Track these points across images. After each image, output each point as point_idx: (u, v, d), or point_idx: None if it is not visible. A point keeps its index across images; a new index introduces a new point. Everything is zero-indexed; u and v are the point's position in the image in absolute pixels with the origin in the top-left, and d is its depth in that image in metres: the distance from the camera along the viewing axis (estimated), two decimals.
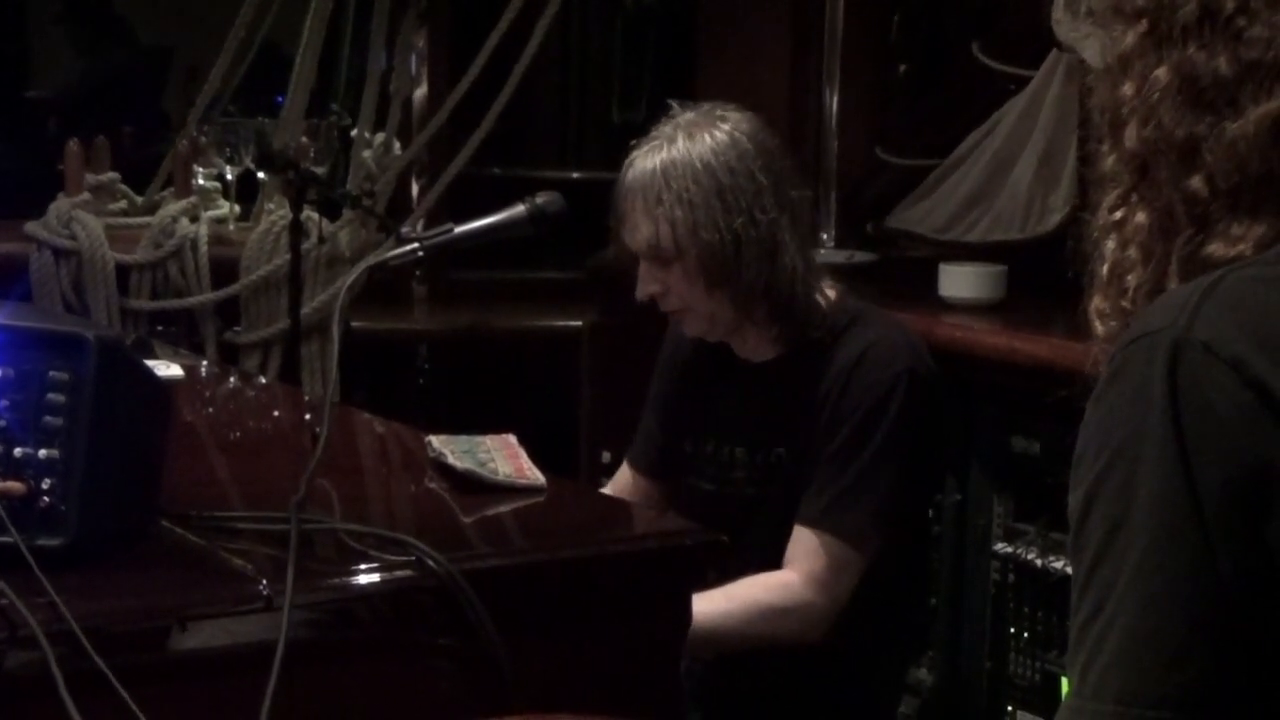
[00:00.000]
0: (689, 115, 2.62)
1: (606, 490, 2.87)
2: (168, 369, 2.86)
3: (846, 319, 2.66)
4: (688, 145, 2.57)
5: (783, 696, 2.70)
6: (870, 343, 2.61)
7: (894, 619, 2.75)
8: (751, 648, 2.56)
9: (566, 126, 5.04)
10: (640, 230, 2.59)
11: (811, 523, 2.56)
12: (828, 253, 4.22)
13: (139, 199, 4.04)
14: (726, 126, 2.60)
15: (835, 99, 4.27)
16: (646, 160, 2.59)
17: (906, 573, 2.75)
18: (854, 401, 2.58)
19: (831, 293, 2.69)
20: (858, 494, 2.55)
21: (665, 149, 2.58)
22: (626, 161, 2.63)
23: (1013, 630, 3.23)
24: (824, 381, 2.61)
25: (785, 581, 2.55)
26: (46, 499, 1.75)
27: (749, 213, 2.56)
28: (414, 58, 4.31)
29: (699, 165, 2.56)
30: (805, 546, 2.56)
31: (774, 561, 2.59)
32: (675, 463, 2.79)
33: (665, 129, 2.61)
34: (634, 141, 2.64)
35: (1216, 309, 1.08)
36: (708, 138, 2.58)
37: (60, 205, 3.85)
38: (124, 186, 4.02)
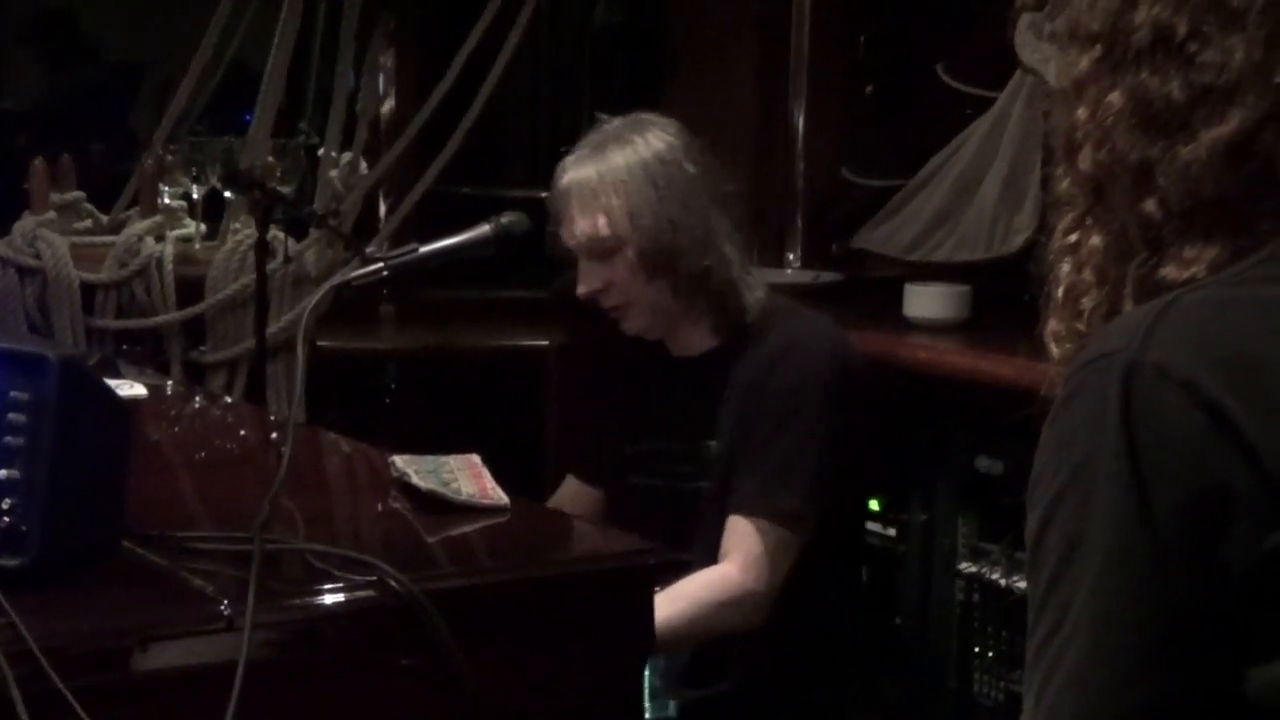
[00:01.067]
0: (617, 123, 2.74)
1: (552, 502, 2.90)
2: (131, 388, 2.86)
3: (776, 314, 2.76)
4: (618, 148, 2.69)
5: (740, 687, 2.72)
6: (795, 334, 2.71)
7: (830, 615, 2.78)
8: (696, 642, 2.59)
9: (535, 146, 5.04)
10: (579, 226, 2.68)
11: (742, 510, 2.62)
12: (794, 272, 4.24)
13: (104, 218, 4.02)
14: (655, 129, 2.72)
15: (802, 119, 4.28)
16: (579, 166, 2.71)
17: (839, 568, 2.78)
18: (775, 391, 2.66)
19: (761, 291, 2.79)
20: (784, 478, 2.60)
21: (596, 153, 2.70)
22: (559, 168, 2.74)
23: (978, 650, 3.24)
24: (750, 372, 2.70)
25: (724, 574, 2.59)
26: (7, 519, 1.74)
27: (682, 200, 2.68)
28: (381, 77, 4.30)
29: (632, 161, 2.68)
30: (739, 535, 2.61)
31: (713, 552, 2.63)
32: (617, 465, 2.84)
33: (594, 137, 2.74)
34: (564, 149, 2.72)
35: (1170, 331, 1.09)
36: (637, 138, 2.70)
37: (25, 224, 3.84)
38: (89, 205, 4.01)
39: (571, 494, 2.92)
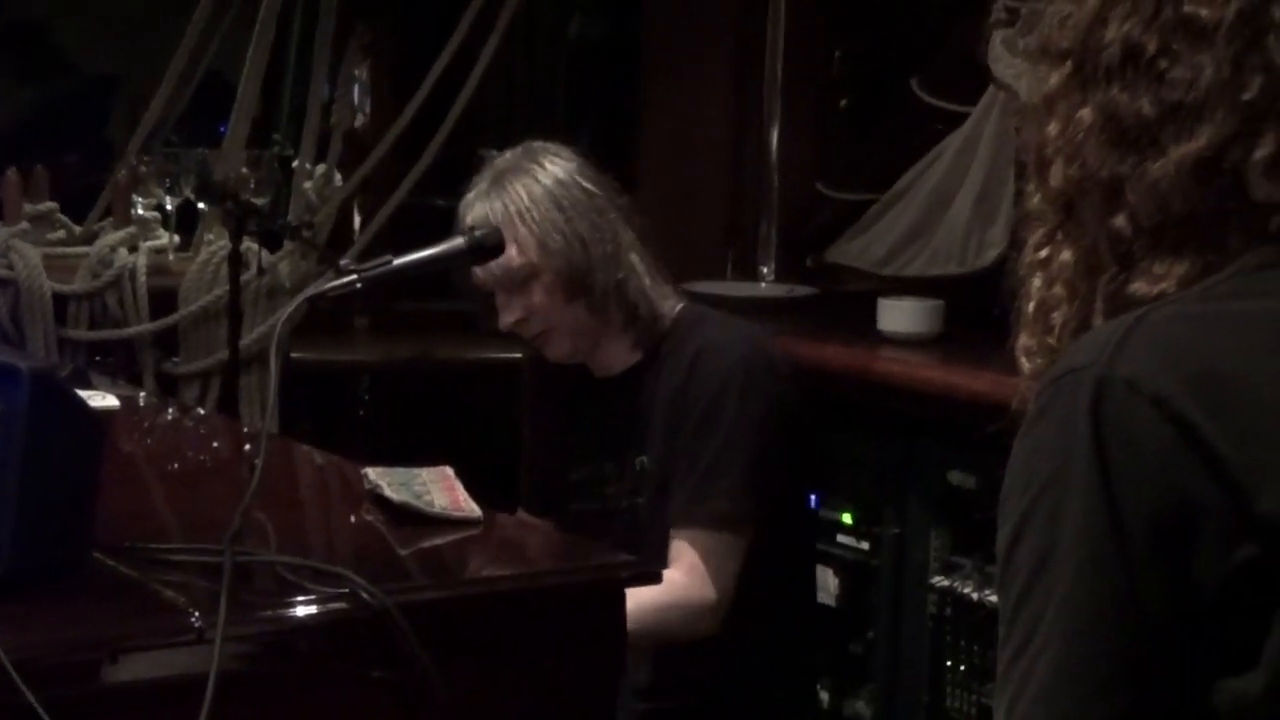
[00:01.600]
0: (508, 155, 2.77)
1: None
2: (103, 400, 2.85)
3: (689, 322, 2.77)
4: (515, 179, 2.71)
5: (694, 701, 2.72)
6: (706, 340, 2.72)
7: (785, 611, 2.78)
8: (650, 648, 2.59)
9: None
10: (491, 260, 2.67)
11: (678, 522, 2.63)
12: (768, 286, 4.24)
13: (78, 228, 4.01)
14: (546, 155, 2.75)
15: (776, 133, 4.29)
16: (480, 203, 2.73)
17: (790, 563, 2.79)
18: (694, 397, 2.67)
19: (676, 302, 2.80)
20: (713, 481, 2.61)
21: (495, 187, 2.72)
22: (461, 208, 2.76)
23: (950, 663, 3.24)
24: (669, 383, 2.71)
25: (671, 580, 2.57)
26: None
27: (588, 217, 2.70)
28: (356, 89, 4.31)
29: (533, 189, 2.70)
30: (680, 544, 2.62)
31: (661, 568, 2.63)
32: (560, 494, 2.85)
33: (488, 173, 2.76)
34: (462, 189, 2.73)
35: (1139, 346, 1.09)
36: (534, 166, 2.73)
37: None
38: (63, 216, 4.00)
39: None
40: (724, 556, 2.61)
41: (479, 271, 2.73)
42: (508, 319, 2.76)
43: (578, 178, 2.72)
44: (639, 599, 2.53)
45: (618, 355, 2.78)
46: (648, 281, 2.75)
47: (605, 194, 2.74)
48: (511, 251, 2.67)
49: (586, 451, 2.84)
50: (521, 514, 2.94)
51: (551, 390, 2.93)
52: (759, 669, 2.76)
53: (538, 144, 2.79)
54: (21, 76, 6.36)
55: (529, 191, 2.69)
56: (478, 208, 2.72)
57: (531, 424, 3.05)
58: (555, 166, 2.72)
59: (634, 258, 2.74)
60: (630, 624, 2.50)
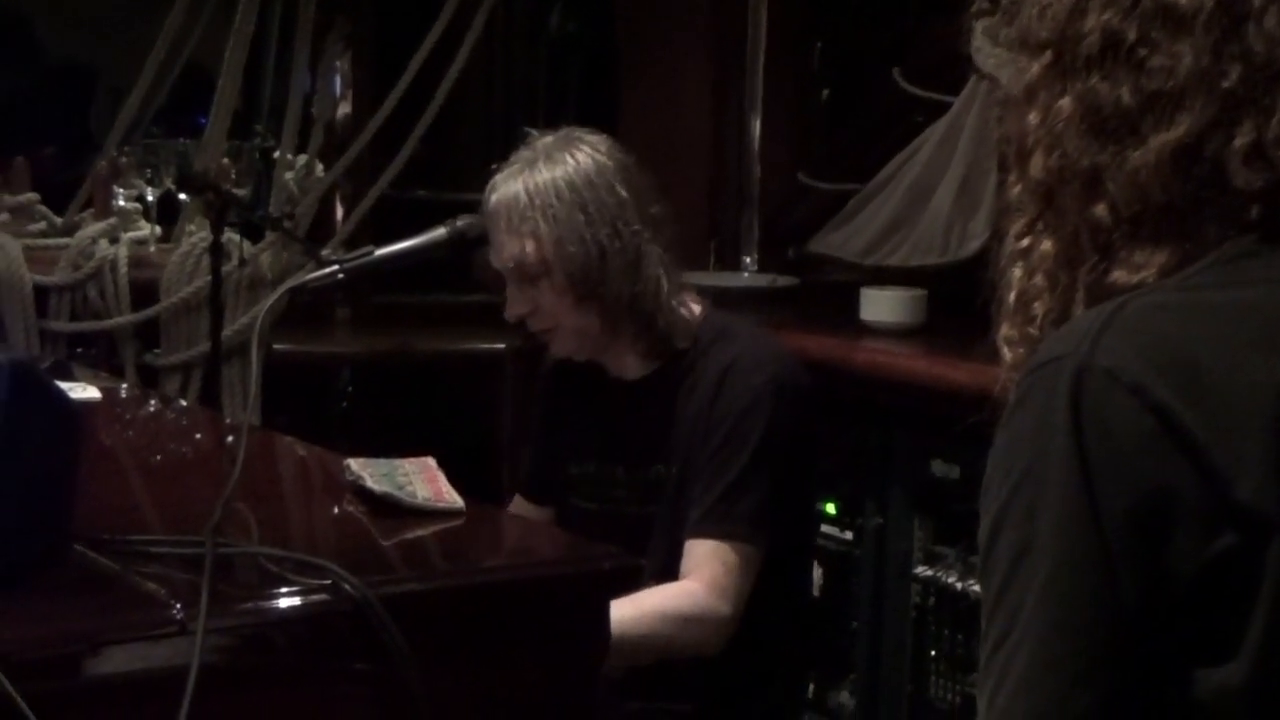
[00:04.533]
0: (547, 139, 2.69)
1: None
2: (84, 391, 2.84)
3: (713, 333, 2.72)
4: (548, 167, 2.64)
5: (681, 710, 2.71)
6: (737, 354, 2.67)
7: (785, 631, 2.77)
8: (657, 656, 2.57)
9: (491, 149, 5.03)
10: (505, 249, 2.65)
11: (700, 533, 2.60)
12: (750, 277, 4.25)
13: (58, 220, 4.01)
14: (585, 147, 2.67)
15: (758, 124, 4.29)
16: (508, 184, 2.66)
17: (793, 583, 2.78)
18: (723, 412, 2.63)
19: (697, 308, 2.76)
20: (737, 498, 2.59)
21: (526, 172, 2.65)
22: (489, 187, 2.69)
23: (933, 653, 3.25)
24: (694, 395, 2.67)
25: (689, 590, 2.56)
26: None
27: (612, 224, 2.63)
28: (337, 80, 4.30)
29: (561, 183, 2.63)
30: (699, 557, 2.58)
31: (666, 578, 2.61)
32: (560, 485, 2.82)
33: (524, 154, 2.68)
34: (494, 166, 2.69)
35: (1119, 335, 1.09)
36: (568, 157, 2.65)
37: None
38: (43, 207, 3.99)
39: (520, 512, 2.90)
40: (742, 574, 2.58)
41: (494, 259, 2.70)
42: (514, 311, 2.71)
43: (611, 179, 2.64)
44: (657, 604, 2.53)
45: (630, 362, 2.73)
46: (668, 294, 2.68)
47: (635, 200, 2.66)
48: (527, 245, 2.63)
49: (589, 449, 2.80)
50: (518, 499, 2.92)
51: (549, 382, 2.89)
52: (757, 671, 2.74)
53: (577, 132, 2.71)
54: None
55: (556, 186, 2.62)
56: (503, 189, 2.66)
57: (515, 413, 3.03)
58: (590, 162, 2.64)
59: (656, 270, 2.66)
60: (647, 631, 2.50)
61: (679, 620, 2.54)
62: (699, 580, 2.57)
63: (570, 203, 2.62)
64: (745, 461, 2.59)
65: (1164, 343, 1.09)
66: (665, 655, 2.57)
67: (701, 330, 2.71)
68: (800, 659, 2.91)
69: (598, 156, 2.66)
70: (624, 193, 2.65)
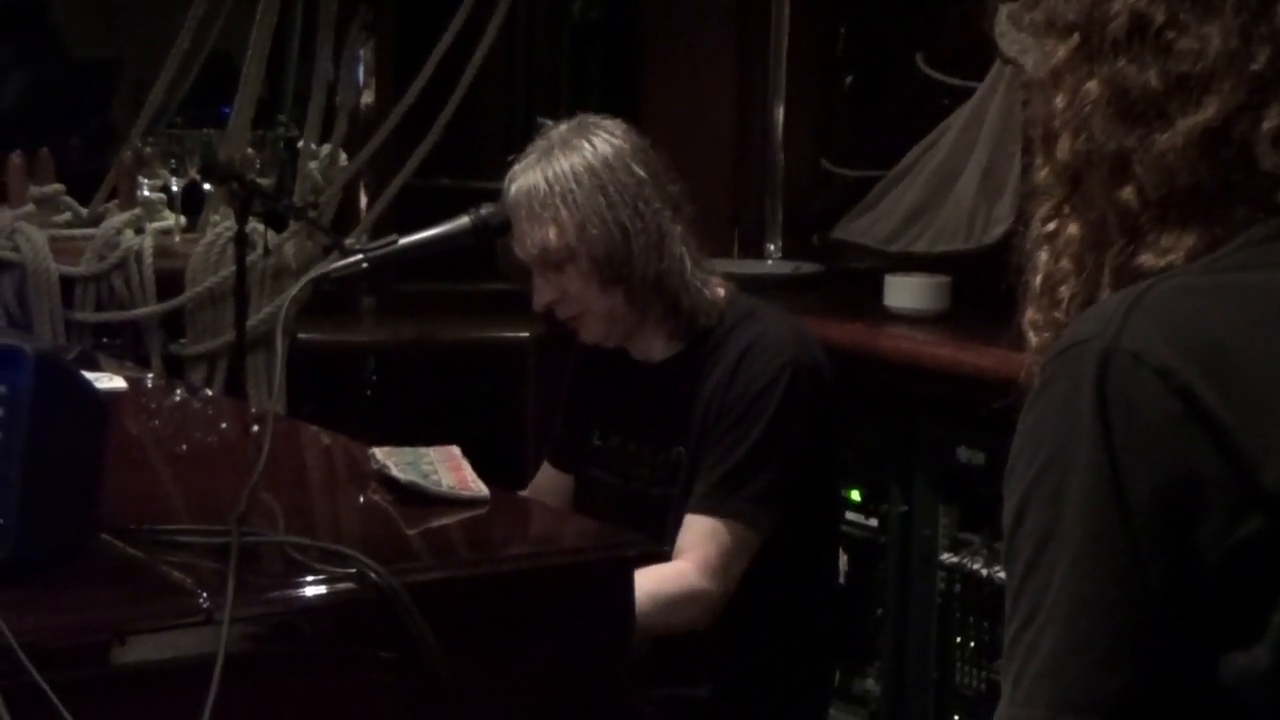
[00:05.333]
0: (561, 128, 2.71)
1: (529, 488, 2.90)
2: (111, 381, 2.85)
3: (737, 315, 2.72)
4: (565, 154, 2.66)
5: (697, 697, 2.71)
6: (756, 336, 2.67)
7: (802, 615, 2.76)
8: (648, 638, 2.57)
9: (514, 139, 5.03)
10: (530, 238, 2.66)
11: (698, 509, 2.61)
12: (774, 264, 4.24)
13: (84, 211, 4.01)
14: (600, 132, 2.69)
15: (781, 111, 4.29)
16: (527, 174, 2.67)
17: (809, 566, 2.77)
18: (738, 392, 2.63)
19: (721, 290, 2.76)
20: (742, 479, 2.59)
21: (543, 161, 2.67)
22: (507, 179, 2.71)
23: (958, 640, 3.25)
24: (714, 377, 2.68)
25: (678, 570, 2.56)
26: None
27: (633, 205, 2.64)
28: (360, 69, 4.30)
29: (579, 168, 2.64)
30: (695, 534, 2.59)
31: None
32: (582, 455, 2.83)
33: (540, 144, 2.70)
34: (511, 158, 2.70)
35: (1145, 319, 1.09)
36: (584, 143, 2.66)
37: (3, 217, 3.83)
38: (68, 198, 4.00)
39: (546, 479, 2.92)
40: (736, 555, 2.59)
41: (518, 249, 2.71)
42: (542, 299, 2.72)
43: (628, 160, 2.66)
44: (645, 587, 2.53)
45: (656, 345, 2.74)
46: (692, 273, 2.69)
47: (654, 180, 2.67)
48: (550, 232, 2.63)
49: (613, 423, 2.81)
50: (544, 465, 2.93)
51: (581, 352, 2.88)
52: (781, 657, 2.74)
53: (592, 119, 2.73)
54: (21, 58, 6.35)
55: (575, 172, 2.64)
56: (522, 180, 2.67)
57: (539, 401, 3.04)
58: (606, 146, 2.66)
59: (679, 249, 2.68)
60: (637, 615, 2.50)
61: (669, 603, 2.54)
62: (690, 560, 2.58)
63: (590, 187, 2.63)
64: (754, 442, 2.60)
65: (1191, 326, 1.08)
66: (656, 636, 2.58)
67: (727, 311, 2.72)
68: (826, 646, 2.90)
69: (614, 140, 2.68)
70: (642, 173, 2.66)
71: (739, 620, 2.61)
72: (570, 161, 2.65)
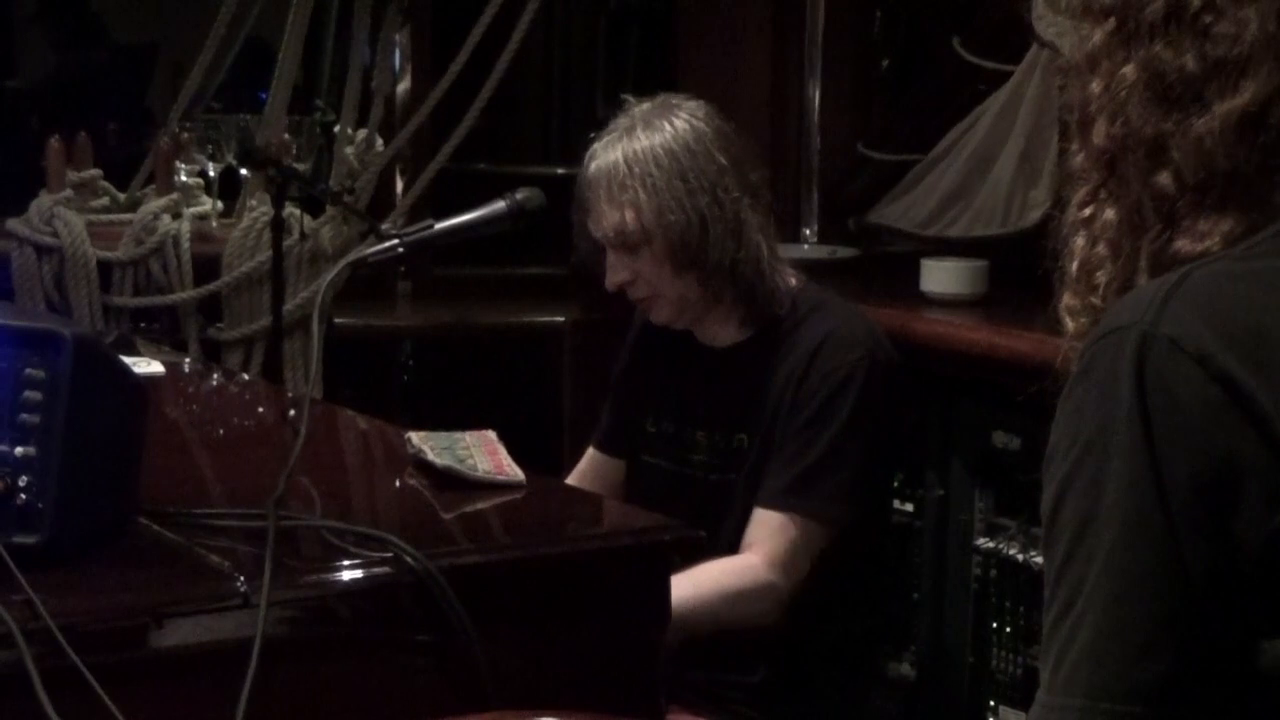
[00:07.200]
0: (645, 106, 2.68)
1: (573, 472, 2.90)
2: (149, 366, 2.87)
3: (808, 306, 2.71)
4: (646, 134, 2.63)
5: (749, 682, 2.71)
6: (831, 329, 2.66)
7: (856, 605, 2.76)
8: (716, 631, 2.56)
9: (550, 122, 5.04)
10: (606, 218, 2.64)
11: (772, 504, 2.59)
12: (810, 248, 4.23)
13: (121, 196, 4.03)
14: (683, 114, 2.66)
15: (817, 94, 4.27)
16: (607, 152, 2.65)
17: (867, 558, 2.76)
18: (814, 386, 2.62)
19: (794, 280, 2.75)
20: (818, 475, 2.58)
21: (625, 139, 2.64)
22: (588, 155, 2.69)
23: (994, 625, 3.24)
24: (786, 367, 2.66)
25: (749, 564, 2.56)
26: (23, 496, 1.74)
27: (712, 193, 2.62)
28: (396, 54, 4.30)
29: (660, 151, 2.62)
30: (766, 528, 2.58)
31: (736, 546, 2.61)
32: (635, 440, 2.82)
33: (622, 121, 2.67)
34: (592, 135, 2.68)
35: (1183, 304, 1.08)
36: (666, 125, 2.64)
37: (42, 202, 3.84)
38: (106, 183, 4.01)
39: (591, 465, 2.91)
40: (806, 550, 2.58)
41: (593, 228, 2.69)
42: (614, 279, 2.70)
43: (709, 145, 2.63)
44: (716, 579, 2.53)
45: (725, 330, 2.73)
46: (767, 260, 2.68)
47: (735, 167, 2.65)
48: (627, 215, 2.62)
49: (669, 409, 2.79)
50: (589, 452, 2.92)
51: (637, 337, 2.87)
52: (827, 644, 2.73)
53: (675, 99, 2.71)
54: (61, 44, 6.38)
55: (655, 154, 2.61)
56: (601, 158, 2.65)
57: (575, 385, 3.03)
58: (688, 129, 2.63)
59: (756, 237, 2.66)
60: (705, 608, 2.50)
61: (736, 597, 2.54)
62: (759, 554, 2.57)
63: (670, 170, 2.61)
64: (831, 437, 2.58)
65: (1229, 311, 1.08)
66: (723, 629, 2.57)
67: (798, 301, 2.71)
68: (870, 632, 2.90)
69: (695, 123, 2.65)
70: (723, 159, 2.64)
71: (800, 610, 2.61)
72: (651, 142, 2.62)
